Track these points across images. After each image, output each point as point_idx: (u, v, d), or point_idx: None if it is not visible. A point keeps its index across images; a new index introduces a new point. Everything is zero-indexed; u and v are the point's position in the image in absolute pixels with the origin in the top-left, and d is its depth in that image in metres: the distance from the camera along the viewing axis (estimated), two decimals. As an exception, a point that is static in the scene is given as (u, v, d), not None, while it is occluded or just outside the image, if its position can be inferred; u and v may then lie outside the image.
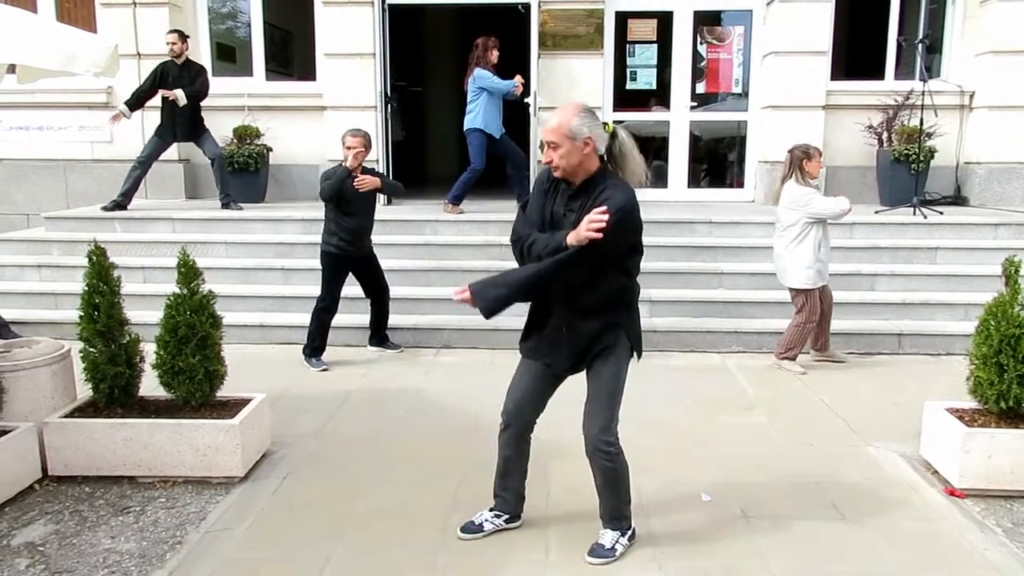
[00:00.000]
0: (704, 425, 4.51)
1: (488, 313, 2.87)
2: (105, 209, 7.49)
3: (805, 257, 5.28)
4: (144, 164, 7.61)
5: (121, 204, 7.55)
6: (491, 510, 3.30)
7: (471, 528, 3.25)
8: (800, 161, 5.29)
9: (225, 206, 7.66)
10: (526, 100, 8.08)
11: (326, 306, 5.51)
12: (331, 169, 5.41)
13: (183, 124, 7.62)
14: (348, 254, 5.46)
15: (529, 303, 3.10)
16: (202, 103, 7.72)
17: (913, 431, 4.10)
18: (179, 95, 7.44)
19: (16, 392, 3.80)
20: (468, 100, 7.48)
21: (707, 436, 4.34)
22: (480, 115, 7.39)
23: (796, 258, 5.31)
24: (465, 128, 7.51)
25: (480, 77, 7.37)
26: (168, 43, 7.45)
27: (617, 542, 3.07)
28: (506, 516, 3.28)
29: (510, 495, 3.28)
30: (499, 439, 3.23)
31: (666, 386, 5.18)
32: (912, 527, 3.33)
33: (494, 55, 7.45)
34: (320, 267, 5.55)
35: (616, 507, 3.09)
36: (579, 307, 2.92)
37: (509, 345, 5.93)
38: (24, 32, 4.26)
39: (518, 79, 7.49)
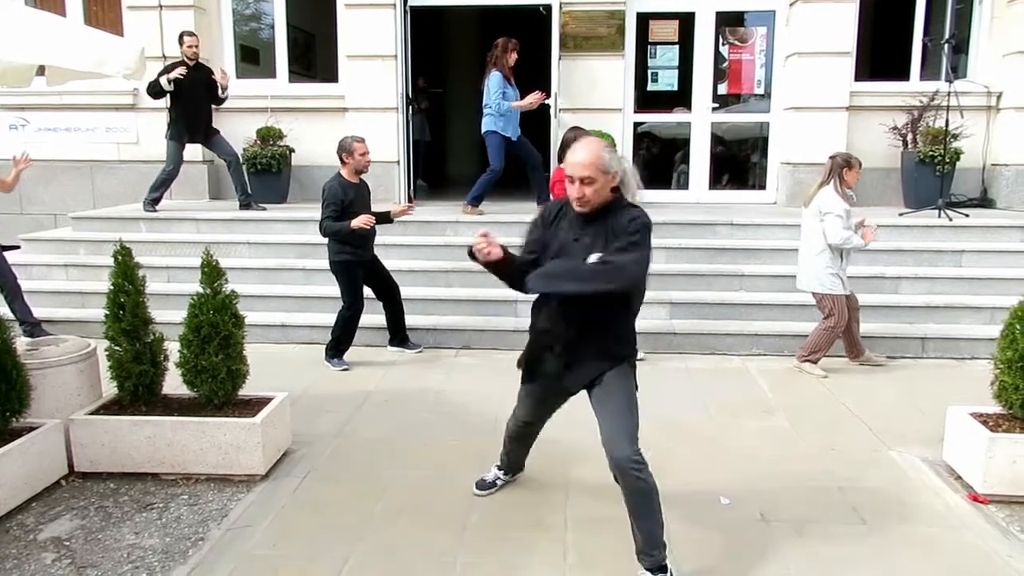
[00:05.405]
0: (724, 428, 4.48)
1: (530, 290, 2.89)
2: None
3: (828, 263, 5.25)
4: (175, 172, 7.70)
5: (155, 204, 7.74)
6: (499, 467, 3.68)
7: (484, 485, 3.63)
8: (840, 169, 5.28)
9: (245, 206, 7.73)
10: (547, 101, 8.08)
11: (353, 312, 5.54)
12: (334, 216, 5.30)
13: (198, 123, 7.67)
14: (362, 258, 5.51)
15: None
16: (222, 105, 7.86)
17: (936, 436, 4.05)
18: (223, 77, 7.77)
19: (43, 389, 3.86)
20: (484, 102, 7.49)
21: (727, 439, 4.32)
22: (496, 117, 7.39)
23: (820, 263, 5.28)
24: (483, 130, 7.51)
25: (489, 83, 7.36)
26: (191, 45, 7.49)
27: None
28: (512, 474, 3.72)
29: (515, 465, 3.70)
30: (507, 426, 3.52)
31: (685, 389, 5.16)
32: (934, 533, 3.29)
33: (512, 58, 7.42)
34: (336, 278, 5.56)
35: (651, 531, 2.84)
36: (588, 335, 2.96)
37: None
38: (54, 35, 4.33)
39: (529, 99, 7.38)
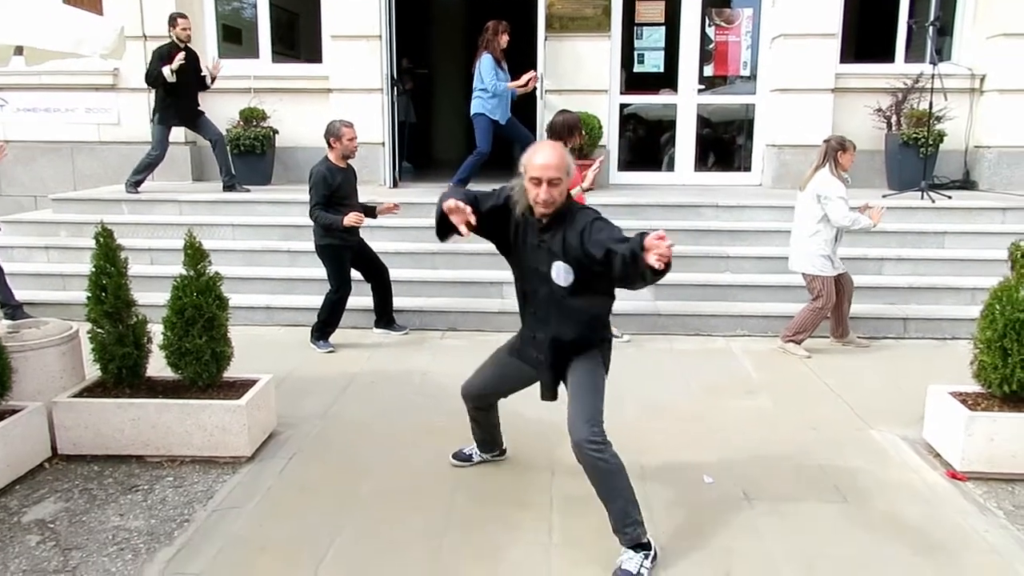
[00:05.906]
0: (708, 408, 4.52)
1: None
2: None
3: (821, 245, 5.28)
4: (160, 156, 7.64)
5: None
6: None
7: (461, 456, 3.71)
8: (835, 152, 5.29)
9: (229, 188, 7.68)
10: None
11: (341, 296, 5.53)
12: (323, 203, 5.33)
13: (188, 108, 7.61)
14: (348, 243, 5.50)
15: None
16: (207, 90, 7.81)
17: (917, 415, 4.10)
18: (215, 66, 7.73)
19: (25, 372, 3.83)
20: (474, 84, 7.45)
21: (710, 419, 4.35)
22: (486, 100, 7.36)
23: (812, 245, 5.31)
24: (472, 112, 7.49)
25: (481, 66, 7.33)
26: (185, 28, 7.38)
27: (642, 566, 2.78)
28: (493, 453, 3.72)
29: (486, 441, 3.68)
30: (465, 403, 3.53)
31: (670, 369, 5.19)
32: (914, 510, 3.34)
33: (503, 40, 7.39)
34: (323, 262, 5.56)
35: (623, 510, 2.83)
36: (569, 323, 2.98)
37: (513, 328, 6.00)
38: (32, 14, 4.26)
39: (524, 79, 7.40)
